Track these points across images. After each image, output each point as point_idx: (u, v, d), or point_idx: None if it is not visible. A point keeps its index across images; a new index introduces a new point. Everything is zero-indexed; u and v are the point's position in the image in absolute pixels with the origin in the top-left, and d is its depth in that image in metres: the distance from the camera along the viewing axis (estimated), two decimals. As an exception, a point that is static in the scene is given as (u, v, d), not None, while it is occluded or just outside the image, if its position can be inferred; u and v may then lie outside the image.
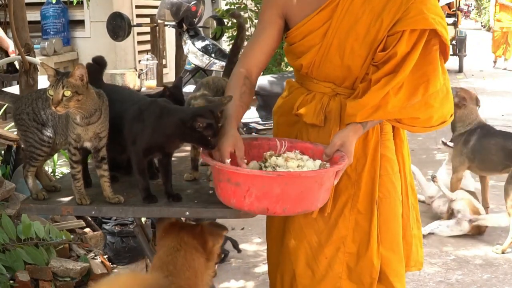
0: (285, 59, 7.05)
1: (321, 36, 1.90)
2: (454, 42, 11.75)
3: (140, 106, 1.85)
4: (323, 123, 1.95)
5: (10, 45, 4.76)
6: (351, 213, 1.95)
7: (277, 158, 1.82)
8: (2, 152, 3.45)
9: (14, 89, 3.63)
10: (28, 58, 3.42)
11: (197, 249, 1.82)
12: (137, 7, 7.34)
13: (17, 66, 3.52)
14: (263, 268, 3.58)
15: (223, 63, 5.48)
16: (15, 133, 3.17)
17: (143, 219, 2.88)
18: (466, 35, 12.35)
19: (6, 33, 4.50)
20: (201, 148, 1.83)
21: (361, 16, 1.85)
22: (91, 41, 6.97)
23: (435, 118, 1.87)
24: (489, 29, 25.65)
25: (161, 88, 2.12)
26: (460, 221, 4.09)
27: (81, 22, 7.03)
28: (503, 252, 3.86)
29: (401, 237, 2.03)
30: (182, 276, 1.74)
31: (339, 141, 1.78)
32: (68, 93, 1.67)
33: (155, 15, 5.62)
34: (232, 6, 7.06)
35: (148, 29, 5.79)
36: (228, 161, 1.72)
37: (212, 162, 1.71)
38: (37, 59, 3.47)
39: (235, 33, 6.99)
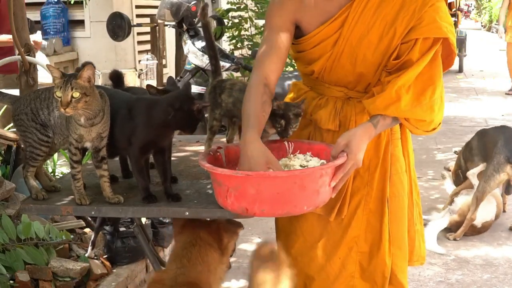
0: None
1: (332, 44, 1.89)
2: (454, 42, 11.73)
3: (127, 105, 1.87)
4: (338, 128, 1.95)
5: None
6: (364, 213, 1.96)
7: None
8: (2, 152, 3.45)
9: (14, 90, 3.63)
10: (29, 58, 3.42)
11: (211, 245, 1.89)
12: (137, 7, 7.34)
13: None
14: (263, 268, 3.58)
15: (223, 63, 5.47)
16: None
17: (143, 219, 2.88)
18: (466, 35, 12.35)
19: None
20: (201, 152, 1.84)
21: (372, 25, 1.85)
22: (91, 41, 6.97)
23: (433, 123, 1.90)
24: (489, 29, 25.60)
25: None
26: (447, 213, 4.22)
27: (81, 22, 7.02)
28: (455, 239, 4.03)
29: (407, 234, 2.04)
30: (194, 270, 1.82)
31: (343, 141, 1.76)
32: (76, 94, 1.69)
33: (155, 15, 5.62)
34: (233, 6, 7.06)
35: (148, 29, 5.79)
36: None
37: (201, 162, 1.72)
38: (43, 62, 3.48)
39: (235, 33, 7.00)
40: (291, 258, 2.05)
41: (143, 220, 2.93)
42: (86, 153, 1.92)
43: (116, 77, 2.20)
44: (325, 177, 1.68)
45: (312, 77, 1.99)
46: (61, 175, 3.39)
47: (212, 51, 2.21)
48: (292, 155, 1.86)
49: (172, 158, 2.13)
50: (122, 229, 3.03)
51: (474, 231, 4.14)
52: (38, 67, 3.54)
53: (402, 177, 2.01)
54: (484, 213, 4.13)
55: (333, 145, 1.82)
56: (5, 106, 3.66)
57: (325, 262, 1.98)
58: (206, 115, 2.20)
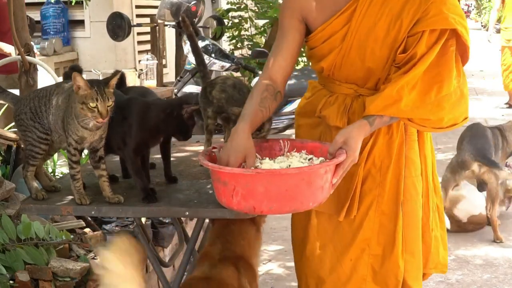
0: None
1: (341, 38, 1.88)
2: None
3: (120, 105, 1.87)
4: (346, 125, 1.92)
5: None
6: (376, 214, 1.93)
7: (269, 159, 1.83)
8: (2, 152, 3.45)
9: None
10: (29, 58, 3.42)
11: (248, 222, 2.09)
12: (137, 7, 7.34)
13: None
14: (264, 268, 3.58)
15: (223, 63, 5.49)
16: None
17: (143, 219, 2.88)
18: (466, 35, 12.30)
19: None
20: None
21: (379, 18, 1.83)
22: (91, 41, 6.97)
23: (445, 120, 1.85)
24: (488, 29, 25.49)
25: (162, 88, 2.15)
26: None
27: (81, 22, 7.02)
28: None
29: (421, 240, 2.01)
30: (237, 245, 2.00)
31: (341, 138, 1.74)
32: (110, 103, 1.70)
33: (155, 15, 5.62)
34: (233, 6, 7.06)
35: (148, 29, 5.78)
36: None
37: (203, 161, 1.71)
38: (49, 68, 3.50)
39: (235, 33, 7.01)
40: (305, 259, 2.04)
41: (143, 220, 2.93)
42: (85, 153, 1.93)
43: (119, 78, 2.20)
44: (329, 173, 1.69)
45: (323, 74, 1.98)
46: (61, 175, 3.40)
47: (198, 57, 2.25)
48: (288, 153, 1.86)
49: (172, 158, 2.14)
50: (107, 227, 3.03)
51: (461, 227, 4.13)
52: (39, 67, 3.55)
53: (415, 181, 1.97)
54: (470, 207, 4.12)
55: (327, 143, 1.83)
56: (6, 105, 3.67)
57: (336, 264, 1.96)
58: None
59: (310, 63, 2.07)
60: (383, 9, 1.83)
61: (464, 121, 1.90)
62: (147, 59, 4.86)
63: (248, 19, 7.07)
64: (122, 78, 2.22)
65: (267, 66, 1.94)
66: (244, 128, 1.76)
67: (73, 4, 5.54)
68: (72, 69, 2.08)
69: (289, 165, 1.76)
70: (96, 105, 1.68)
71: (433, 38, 1.80)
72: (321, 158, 1.80)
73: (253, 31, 7.09)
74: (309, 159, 1.80)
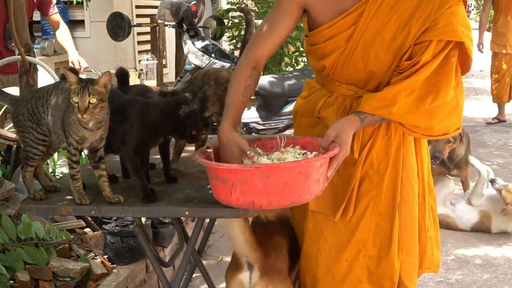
0: (285, 59, 7.05)
1: (346, 39, 1.86)
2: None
3: (119, 105, 1.87)
4: None
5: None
6: (372, 215, 1.93)
7: (266, 155, 1.84)
8: (2, 152, 3.45)
9: (15, 90, 3.64)
10: (29, 58, 3.42)
11: None
12: (137, 7, 7.34)
13: None
14: (263, 268, 3.58)
15: (223, 63, 5.48)
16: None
17: (143, 219, 2.88)
18: (466, 35, 12.23)
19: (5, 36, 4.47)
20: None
21: (387, 22, 1.82)
22: (91, 41, 6.97)
23: (436, 129, 1.85)
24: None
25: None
26: None
27: (81, 22, 7.03)
28: None
29: (417, 240, 2.01)
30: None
31: (333, 132, 1.75)
32: (94, 100, 1.70)
33: (155, 15, 5.62)
34: (233, 6, 7.06)
35: (148, 29, 5.79)
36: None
37: (200, 160, 1.72)
38: (49, 69, 3.50)
39: (235, 33, 7.00)
40: (302, 259, 2.04)
41: (143, 220, 2.93)
42: (85, 153, 1.93)
43: (121, 76, 2.19)
44: (324, 166, 1.71)
45: (323, 73, 1.96)
46: (61, 175, 3.40)
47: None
48: (283, 149, 1.87)
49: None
50: (107, 227, 3.04)
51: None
52: (39, 67, 3.55)
53: (413, 182, 1.98)
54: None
55: (318, 138, 1.84)
56: (5, 106, 3.67)
57: (331, 264, 1.96)
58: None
59: (309, 60, 2.06)
60: (392, 13, 1.81)
61: (456, 131, 1.90)
62: (147, 59, 4.87)
63: (248, 19, 7.05)
64: (125, 75, 2.20)
65: (254, 45, 1.92)
66: (226, 128, 1.81)
67: (74, 4, 5.55)
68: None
69: (285, 160, 1.77)
70: (78, 100, 1.69)
71: (438, 48, 1.80)
72: (314, 152, 1.81)
73: (253, 31, 7.08)
74: (303, 154, 1.81)
